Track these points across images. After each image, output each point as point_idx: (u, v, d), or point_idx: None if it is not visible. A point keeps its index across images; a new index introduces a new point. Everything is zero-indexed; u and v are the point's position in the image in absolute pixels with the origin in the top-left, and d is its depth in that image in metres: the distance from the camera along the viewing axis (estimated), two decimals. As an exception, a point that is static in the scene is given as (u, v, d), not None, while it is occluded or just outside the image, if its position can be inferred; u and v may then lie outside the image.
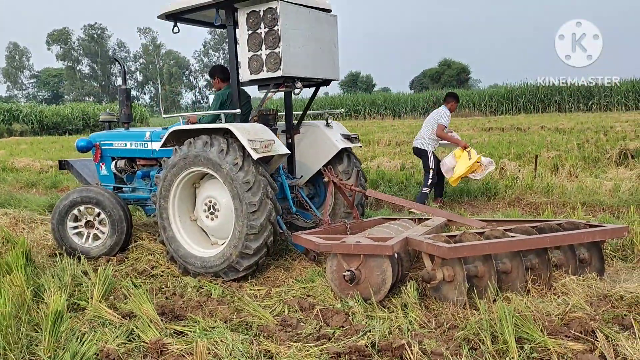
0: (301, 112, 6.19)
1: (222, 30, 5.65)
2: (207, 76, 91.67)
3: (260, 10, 4.92)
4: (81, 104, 47.21)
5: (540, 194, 7.65)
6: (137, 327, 3.76)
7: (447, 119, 7.95)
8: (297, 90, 5.26)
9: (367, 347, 3.37)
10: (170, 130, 5.24)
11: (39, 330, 3.72)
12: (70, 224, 5.84)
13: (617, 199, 6.95)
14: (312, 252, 5.22)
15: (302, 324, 3.91)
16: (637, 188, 7.44)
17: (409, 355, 3.24)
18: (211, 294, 4.58)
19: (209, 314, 4.10)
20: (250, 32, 5.02)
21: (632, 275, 4.31)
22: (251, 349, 3.38)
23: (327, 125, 6.10)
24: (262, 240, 4.76)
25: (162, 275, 5.19)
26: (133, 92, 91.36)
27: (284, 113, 6.08)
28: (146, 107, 56.04)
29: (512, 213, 6.49)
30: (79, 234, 5.90)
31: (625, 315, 3.54)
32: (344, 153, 6.00)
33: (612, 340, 3.20)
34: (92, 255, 5.63)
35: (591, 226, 4.44)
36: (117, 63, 6.66)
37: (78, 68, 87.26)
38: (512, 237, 4.20)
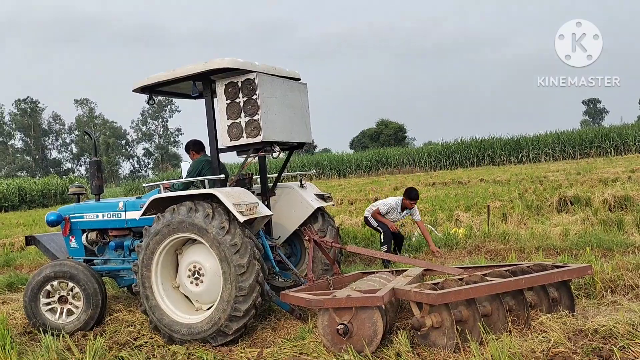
0: (275, 175, 6.40)
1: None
2: (145, 144, 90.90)
3: (238, 82, 5.21)
4: (16, 179, 45.36)
5: (498, 242, 8.10)
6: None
7: (384, 207, 8.17)
8: (275, 154, 5.51)
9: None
10: (151, 198, 5.29)
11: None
12: (43, 300, 5.68)
13: (569, 242, 7.47)
14: (297, 310, 5.33)
15: (301, 381, 3.97)
16: (585, 231, 8.05)
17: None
18: (203, 360, 4.56)
19: (205, 380, 4.09)
20: (228, 101, 5.26)
21: (599, 310, 4.68)
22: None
23: (302, 186, 6.31)
24: (251, 301, 4.82)
25: (146, 346, 5.10)
26: (68, 164, 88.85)
27: (258, 176, 6.27)
28: (83, 179, 54.41)
29: (479, 260, 6.84)
30: (52, 310, 5.73)
31: (602, 347, 3.84)
32: (318, 212, 6.19)
33: (596, 370, 3.47)
34: (67, 331, 5.46)
35: (557, 267, 4.79)
36: (88, 136, 6.65)
37: (10, 143, 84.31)
38: (492, 280, 4.49)
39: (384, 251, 7.71)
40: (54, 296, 5.74)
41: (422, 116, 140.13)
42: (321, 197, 6.31)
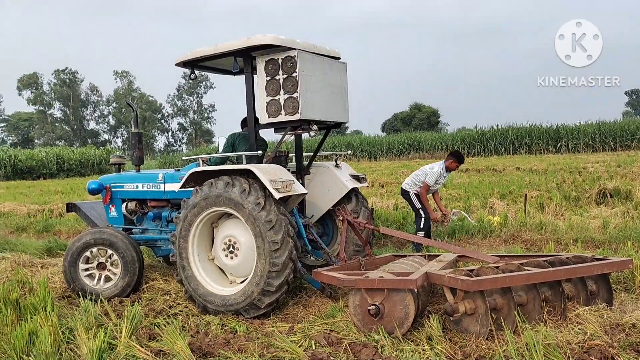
0: (311, 154, 6.42)
1: (192, 77, 6.07)
2: (179, 119, 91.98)
3: (279, 59, 5.22)
4: (55, 148, 46.61)
5: (534, 231, 7.96)
6: (173, 364, 3.81)
7: (432, 178, 7.76)
8: (312, 133, 5.52)
9: (402, 378, 3.50)
10: (190, 171, 5.38)
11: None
12: (82, 265, 5.86)
13: (608, 235, 7.29)
14: (328, 288, 5.37)
15: (333, 357, 4.01)
16: (625, 224, 7.84)
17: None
18: (236, 331, 4.65)
19: (238, 350, 4.17)
20: (268, 78, 5.29)
21: (638, 305, 4.57)
22: (290, 382, 3.46)
23: (337, 166, 6.33)
24: (283, 277, 4.88)
25: (181, 314, 5.22)
26: (105, 136, 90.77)
27: (294, 154, 6.30)
28: (120, 150, 55.64)
29: (514, 249, 6.75)
30: (90, 276, 5.91)
31: (639, 342, 3.76)
32: (352, 193, 6.21)
33: (633, 364, 3.40)
34: (104, 297, 5.63)
35: (597, 259, 4.67)
36: (130, 107, 6.81)
37: (49, 112, 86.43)
38: (529, 270, 4.42)
39: (419, 234, 7.62)
40: (92, 262, 5.92)
41: (457, 101, 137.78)
42: (356, 177, 6.31)
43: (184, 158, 5.97)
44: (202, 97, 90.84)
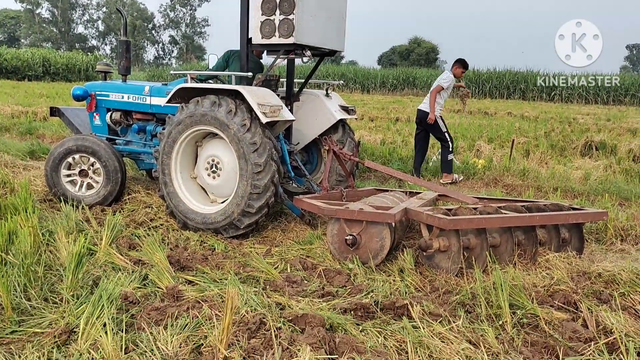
0: (302, 81, 6.31)
1: None
2: (171, 32, 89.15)
3: None
4: (42, 50, 45.11)
5: (516, 177, 8.07)
6: (150, 274, 3.90)
7: (448, 82, 8.17)
8: (306, 59, 5.39)
9: (371, 305, 3.62)
10: (177, 87, 5.27)
11: (53, 271, 3.82)
12: (64, 171, 5.84)
13: (588, 187, 7.42)
14: (307, 216, 5.45)
15: (306, 281, 4.13)
16: (606, 178, 7.97)
17: (411, 314, 3.52)
18: (214, 249, 4.75)
19: (215, 267, 4.27)
20: None
21: (607, 256, 4.73)
22: (263, 300, 3.57)
23: (327, 95, 6.26)
24: (264, 199, 4.92)
25: (161, 228, 5.29)
26: (94, 42, 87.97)
27: (284, 79, 6.18)
28: (108, 58, 54.16)
29: (494, 192, 6.85)
30: (72, 182, 5.91)
31: (602, 290, 3.92)
32: (339, 123, 6.20)
33: (593, 311, 3.56)
34: (85, 204, 5.66)
35: (574, 209, 4.80)
36: (119, 14, 6.57)
37: (37, 12, 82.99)
38: (506, 214, 4.52)
39: (447, 161, 8.02)
40: (74, 169, 5.89)
41: (458, 40, 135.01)
42: (345, 109, 6.26)
43: (172, 72, 5.84)
44: (195, 9, 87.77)
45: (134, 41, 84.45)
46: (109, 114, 6.50)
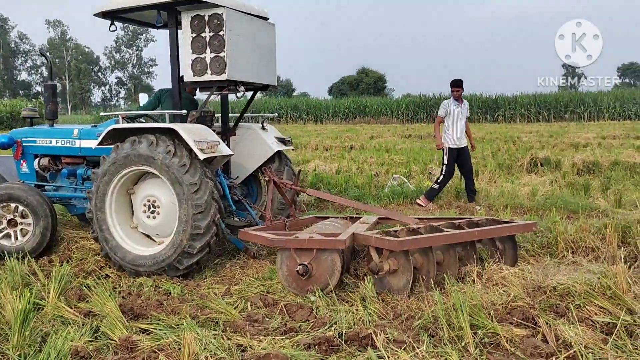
0: (238, 115, 6.37)
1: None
2: (118, 73, 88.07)
3: (205, 15, 5.02)
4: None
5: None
6: (102, 325, 3.73)
7: (442, 110, 8.27)
8: (239, 94, 5.51)
9: (335, 337, 3.57)
10: (109, 128, 5.14)
11: (-3, 332, 3.61)
12: None
13: (536, 202, 7.65)
14: (252, 248, 5.45)
15: (268, 319, 4.04)
16: (553, 192, 8.24)
17: (375, 343, 3.48)
18: (170, 293, 4.59)
19: (172, 312, 4.13)
20: (194, 35, 5.08)
21: (560, 269, 4.82)
22: (223, 343, 3.46)
23: (263, 128, 6.34)
24: (205, 240, 4.85)
25: (111, 276, 5.10)
26: (37, 88, 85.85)
27: (219, 115, 6.21)
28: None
29: (449, 213, 6.96)
30: (7, 236, 5.62)
31: (559, 304, 3.99)
32: (276, 154, 6.26)
33: (551, 325, 3.61)
34: (29, 250, 5.39)
35: (506, 222, 5.11)
36: (44, 57, 6.44)
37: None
38: (448, 231, 4.69)
39: (432, 188, 8.06)
40: (2, 222, 5.62)
41: (403, 68, 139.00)
42: (281, 140, 6.34)
43: (102, 114, 5.75)
44: (142, 50, 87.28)
45: (80, 85, 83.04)
46: (37, 160, 6.27)
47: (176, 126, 4.87)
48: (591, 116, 36.92)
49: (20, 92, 79.17)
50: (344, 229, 5.08)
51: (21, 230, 5.63)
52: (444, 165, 8.16)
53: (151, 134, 4.92)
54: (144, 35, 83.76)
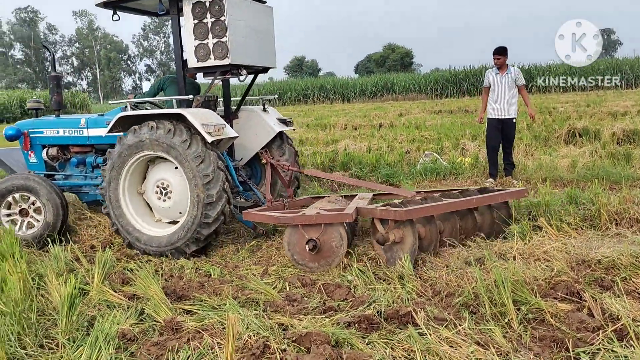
0: (239, 98, 6.52)
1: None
2: (147, 61, 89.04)
3: (206, 2, 5.11)
4: (17, 91, 44.77)
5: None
6: (147, 308, 3.81)
7: (485, 80, 8.06)
8: (242, 77, 5.69)
9: (374, 316, 3.57)
10: (117, 115, 5.25)
11: (47, 316, 3.72)
12: (3, 211, 5.82)
13: (576, 174, 7.46)
14: (260, 227, 5.67)
15: (307, 298, 4.07)
16: (593, 163, 8.01)
17: (415, 321, 3.47)
18: (210, 275, 4.67)
19: (213, 293, 4.19)
20: (196, 21, 5.18)
21: (603, 242, 4.71)
22: (265, 322, 3.50)
23: (264, 110, 6.46)
24: (213, 229, 5.06)
25: (152, 260, 5.19)
26: (70, 78, 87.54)
27: (222, 99, 6.38)
28: (85, 93, 53.78)
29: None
30: (13, 222, 5.83)
31: (604, 277, 3.90)
32: (278, 136, 6.39)
33: (597, 299, 3.53)
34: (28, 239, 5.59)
35: (499, 190, 5.37)
36: (47, 50, 6.50)
37: (10, 53, 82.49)
38: (448, 200, 4.90)
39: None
40: (15, 208, 5.81)
41: (430, 42, 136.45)
42: (283, 121, 6.49)
43: (110, 103, 5.81)
44: (169, 36, 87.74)
45: (110, 74, 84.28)
46: (45, 150, 6.42)
47: (184, 111, 5.01)
48: (629, 84, 35.64)
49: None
50: (345, 205, 5.20)
51: (28, 222, 5.82)
52: (486, 137, 8.05)
53: (159, 119, 5.07)
54: (170, 22, 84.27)
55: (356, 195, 5.67)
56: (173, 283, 4.44)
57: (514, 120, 7.92)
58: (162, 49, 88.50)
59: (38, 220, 5.74)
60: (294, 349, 3.11)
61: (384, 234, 4.52)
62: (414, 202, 4.81)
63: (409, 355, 3.07)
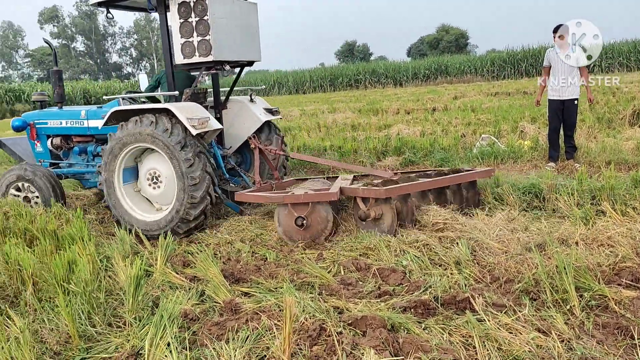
0: (228, 90, 6.90)
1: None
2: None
3: (190, 2, 5.47)
4: (80, 82, 46.75)
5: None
6: (207, 289, 3.94)
7: (545, 60, 7.85)
8: (225, 73, 6.11)
9: (430, 301, 3.55)
10: (111, 110, 5.66)
11: (114, 296, 3.91)
12: (12, 191, 6.35)
13: (642, 157, 7.11)
14: (246, 211, 6.19)
15: (361, 282, 4.09)
16: (660, 146, 7.61)
17: (473, 307, 3.42)
18: (266, 258, 4.76)
19: (269, 276, 4.28)
20: (182, 20, 5.54)
21: (673, 227, 4.48)
22: (320, 305, 3.54)
23: (251, 100, 6.80)
24: (201, 208, 5.43)
25: (210, 244, 5.34)
26: (129, 69, 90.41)
27: (212, 90, 6.72)
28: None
29: (546, 173, 6.61)
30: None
31: (672, 263, 3.72)
32: (266, 124, 6.78)
33: (665, 286, 3.38)
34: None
35: (467, 171, 5.77)
36: (48, 45, 7.13)
37: (72, 46, 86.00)
38: (423, 180, 5.41)
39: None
40: (23, 193, 6.31)
41: (486, 22, 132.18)
42: (269, 111, 6.84)
43: (104, 98, 6.18)
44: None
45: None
46: (49, 139, 6.85)
47: (170, 106, 5.38)
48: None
49: (113, 73, 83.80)
50: (329, 185, 5.63)
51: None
52: (548, 119, 7.82)
53: (149, 114, 5.45)
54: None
55: (338, 177, 6.05)
56: (231, 266, 4.56)
57: (576, 102, 7.56)
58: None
59: (37, 203, 6.22)
60: (350, 332, 3.15)
61: (365, 211, 5.02)
62: (392, 182, 5.24)
63: (467, 341, 3.04)
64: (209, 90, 6.72)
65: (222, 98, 6.80)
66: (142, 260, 4.14)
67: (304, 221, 5.00)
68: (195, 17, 5.46)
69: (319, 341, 3.05)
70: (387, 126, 12.57)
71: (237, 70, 7.00)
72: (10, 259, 4.09)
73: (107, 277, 4.16)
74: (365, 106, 19.00)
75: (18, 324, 3.27)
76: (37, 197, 6.22)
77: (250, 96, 6.86)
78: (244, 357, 2.97)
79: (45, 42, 7.12)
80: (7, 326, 3.35)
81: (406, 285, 3.92)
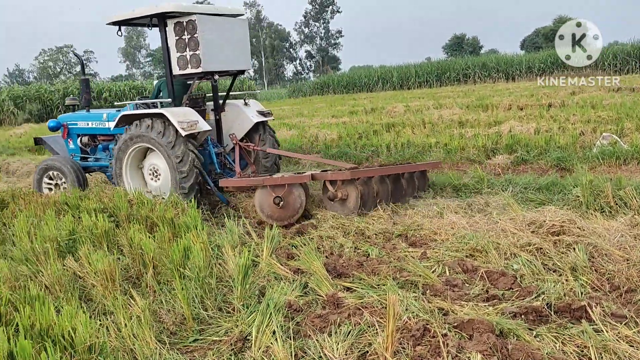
0: (224, 95, 7.72)
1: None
2: (307, 47, 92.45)
3: (183, 22, 6.43)
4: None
5: None
6: (310, 282, 4.02)
7: None
8: (214, 82, 7.06)
9: (543, 308, 3.36)
10: (120, 114, 6.69)
11: (224, 283, 4.11)
12: (45, 179, 7.70)
13: None
14: (231, 202, 7.00)
15: (468, 285, 3.96)
16: None
17: (590, 316, 3.19)
18: (369, 255, 4.76)
19: (371, 273, 4.27)
20: (177, 37, 6.53)
21: None
22: (424, 305, 3.47)
23: (245, 104, 7.66)
24: (189, 198, 6.12)
25: (313, 238, 5.43)
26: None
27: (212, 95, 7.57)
28: (252, 81, 57.60)
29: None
30: (49, 190, 7.66)
31: None
32: (260, 125, 7.58)
33: None
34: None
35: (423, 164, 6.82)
36: (77, 57, 8.53)
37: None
38: (382, 167, 6.35)
39: None
40: (53, 181, 7.59)
41: (608, 11, 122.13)
42: (262, 112, 7.61)
43: (115, 104, 6.97)
44: (328, 22, 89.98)
45: (274, 61, 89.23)
46: (79, 138, 8.01)
47: (165, 111, 6.31)
48: None
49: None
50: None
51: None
52: None
53: (147, 118, 6.40)
54: (330, 7, 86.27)
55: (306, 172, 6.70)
56: (333, 260, 4.62)
57: None
58: (322, 34, 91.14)
59: (65, 188, 7.36)
60: (456, 334, 3.06)
61: (333, 192, 6.00)
62: (355, 168, 6.26)
63: (582, 351, 2.85)
64: (207, 95, 7.60)
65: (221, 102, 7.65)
66: (250, 251, 4.32)
67: (281, 201, 5.87)
68: (187, 35, 6.41)
69: (423, 341, 3.00)
70: (498, 123, 12.03)
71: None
72: (134, 243, 4.44)
73: (217, 264, 4.37)
74: (474, 102, 18.33)
75: (140, 303, 3.54)
76: (64, 182, 7.38)
77: (244, 100, 7.74)
78: (346, 351, 2.99)
79: (74, 54, 8.29)
80: (130, 305, 3.64)
81: (517, 290, 3.74)
